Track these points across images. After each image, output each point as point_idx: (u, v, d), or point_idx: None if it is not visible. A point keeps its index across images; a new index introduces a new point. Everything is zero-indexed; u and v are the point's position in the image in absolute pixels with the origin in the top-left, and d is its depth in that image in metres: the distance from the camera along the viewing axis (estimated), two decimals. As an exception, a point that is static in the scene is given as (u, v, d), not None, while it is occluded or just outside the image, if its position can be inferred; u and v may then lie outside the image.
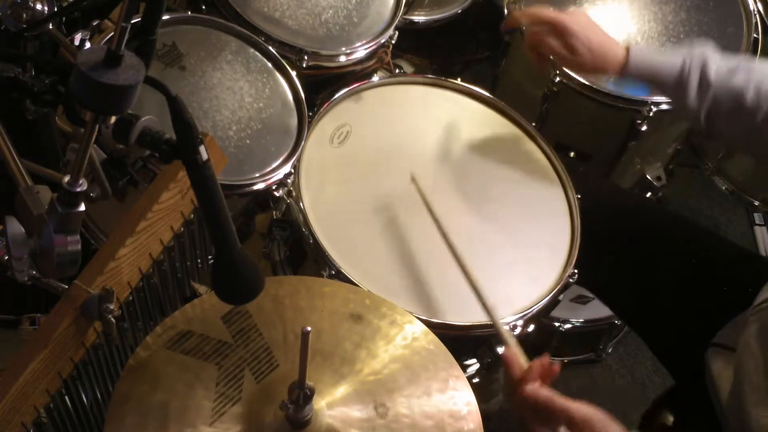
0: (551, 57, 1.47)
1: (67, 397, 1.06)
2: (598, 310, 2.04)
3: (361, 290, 1.26)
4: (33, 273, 0.96)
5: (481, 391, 1.45)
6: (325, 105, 1.53)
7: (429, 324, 1.18)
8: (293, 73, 1.53)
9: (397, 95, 1.63)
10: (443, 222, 1.38)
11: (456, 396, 1.08)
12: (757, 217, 2.50)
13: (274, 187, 1.40)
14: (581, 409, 1.09)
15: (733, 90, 1.34)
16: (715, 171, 2.26)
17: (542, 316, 1.45)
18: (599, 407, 1.11)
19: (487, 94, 1.66)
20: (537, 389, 1.12)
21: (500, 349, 1.38)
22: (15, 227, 0.89)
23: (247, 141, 1.42)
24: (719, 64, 1.36)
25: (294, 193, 1.41)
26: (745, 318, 1.27)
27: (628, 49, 1.42)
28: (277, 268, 1.51)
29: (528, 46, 1.49)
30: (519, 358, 1.19)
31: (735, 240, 2.37)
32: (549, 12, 1.45)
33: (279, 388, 1.02)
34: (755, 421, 1.15)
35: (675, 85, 1.38)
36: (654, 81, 1.43)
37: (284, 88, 1.52)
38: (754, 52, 1.85)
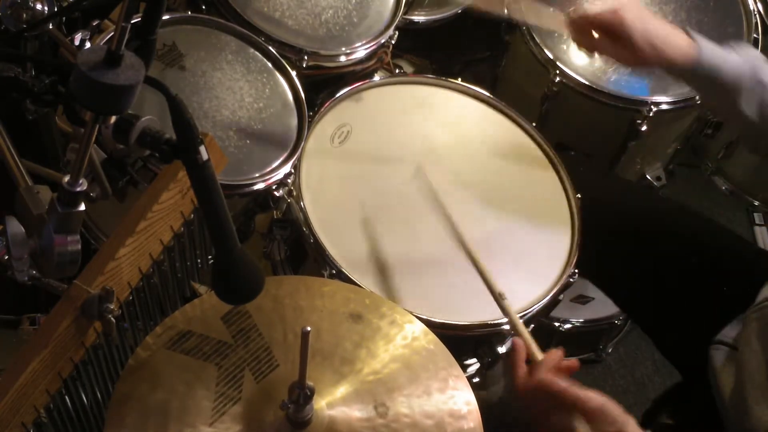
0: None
1: (67, 397, 1.06)
2: (598, 310, 2.04)
3: (361, 290, 1.25)
4: (33, 273, 0.96)
5: (482, 380, 1.45)
6: (326, 105, 1.53)
7: (429, 324, 1.18)
8: (293, 73, 1.53)
9: (397, 95, 1.63)
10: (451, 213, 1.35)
11: (456, 395, 1.07)
12: (757, 217, 2.50)
13: (274, 187, 1.40)
14: (596, 398, 1.08)
15: None
16: (715, 171, 2.27)
17: (542, 316, 1.45)
18: None
19: (487, 94, 1.66)
20: (553, 378, 1.10)
21: (500, 349, 1.38)
22: (15, 227, 0.89)
23: (247, 141, 1.42)
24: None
25: (294, 193, 1.41)
26: (747, 317, 1.27)
27: (691, 39, 1.30)
28: (278, 268, 1.51)
29: (585, 50, 1.39)
30: (531, 346, 1.16)
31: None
32: (597, 12, 1.32)
33: (279, 388, 1.02)
34: (756, 418, 1.15)
35: (732, 85, 1.29)
36: (715, 79, 1.31)
37: (284, 88, 1.52)
38: (754, 52, 1.85)
